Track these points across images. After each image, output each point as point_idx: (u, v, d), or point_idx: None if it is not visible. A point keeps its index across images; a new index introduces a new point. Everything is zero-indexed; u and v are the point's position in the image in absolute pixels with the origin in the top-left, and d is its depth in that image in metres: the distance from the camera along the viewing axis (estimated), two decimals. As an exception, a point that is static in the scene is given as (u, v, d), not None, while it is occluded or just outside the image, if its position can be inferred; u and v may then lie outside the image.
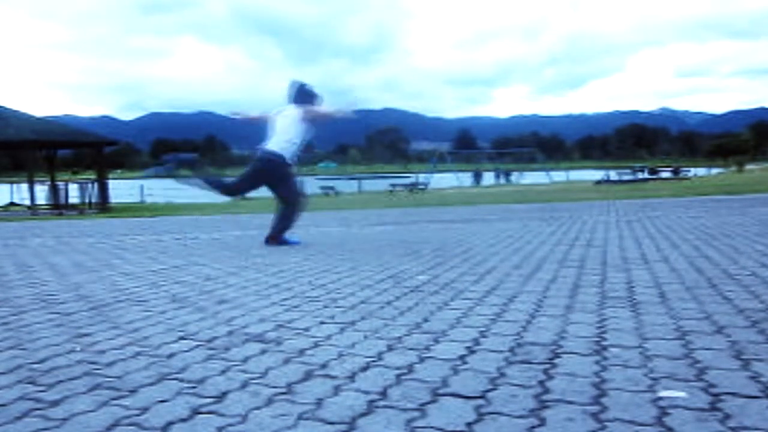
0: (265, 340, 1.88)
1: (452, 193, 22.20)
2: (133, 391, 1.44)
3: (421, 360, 1.62)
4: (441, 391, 1.38)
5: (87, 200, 17.02)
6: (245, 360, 1.67)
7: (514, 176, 39.38)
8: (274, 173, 4.74)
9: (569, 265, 3.21)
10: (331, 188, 25.82)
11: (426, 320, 2.07)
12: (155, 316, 2.28)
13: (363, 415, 1.26)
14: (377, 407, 1.30)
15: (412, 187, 25.41)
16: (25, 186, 18.88)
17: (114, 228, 7.87)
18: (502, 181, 37.06)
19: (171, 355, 1.73)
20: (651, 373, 1.46)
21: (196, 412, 1.30)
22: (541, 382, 1.42)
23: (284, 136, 4.72)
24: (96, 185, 17.37)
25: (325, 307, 2.35)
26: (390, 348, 1.75)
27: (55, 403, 1.37)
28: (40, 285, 3.11)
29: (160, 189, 21.70)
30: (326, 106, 4.99)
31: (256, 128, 5.07)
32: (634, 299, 2.30)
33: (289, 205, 4.82)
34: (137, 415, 1.29)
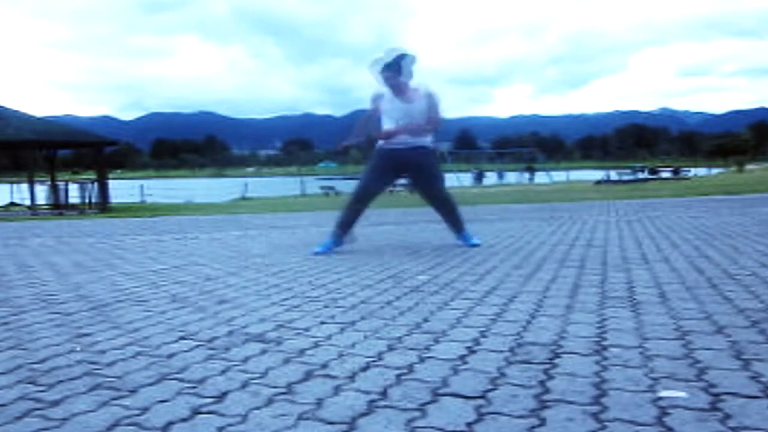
0: (266, 340, 1.88)
1: (452, 193, 22.17)
2: (133, 391, 1.44)
3: (422, 360, 1.62)
4: (441, 391, 1.38)
5: (87, 200, 17.00)
6: (245, 360, 1.67)
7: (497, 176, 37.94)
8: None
9: (569, 265, 3.21)
10: (331, 188, 25.79)
11: (426, 320, 2.07)
12: (155, 316, 2.28)
13: (363, 415, 1.26)
14: (377, 407, 1.30)
15: (413, 187, 25.37)
16: (25, 186, 18.86)
17: (114, 228, 7.86)
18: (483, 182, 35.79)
19: (171, 355, 1.73)
20: (651, 373, 1.46)
21: (196, 412, 1.30)
22: (541, 382, 1.42)
23: None
24: (96, 185, 17.37)
25: (326, 307, 2.35)
26: (390, 348, 1.75)
27: (55, 403, 1.37)
28: (40, 285, 3.11)
29: (161, 189, 21.68)
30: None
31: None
32: (635, 299, 2.30)
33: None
34: (137, 415, 1.29)
